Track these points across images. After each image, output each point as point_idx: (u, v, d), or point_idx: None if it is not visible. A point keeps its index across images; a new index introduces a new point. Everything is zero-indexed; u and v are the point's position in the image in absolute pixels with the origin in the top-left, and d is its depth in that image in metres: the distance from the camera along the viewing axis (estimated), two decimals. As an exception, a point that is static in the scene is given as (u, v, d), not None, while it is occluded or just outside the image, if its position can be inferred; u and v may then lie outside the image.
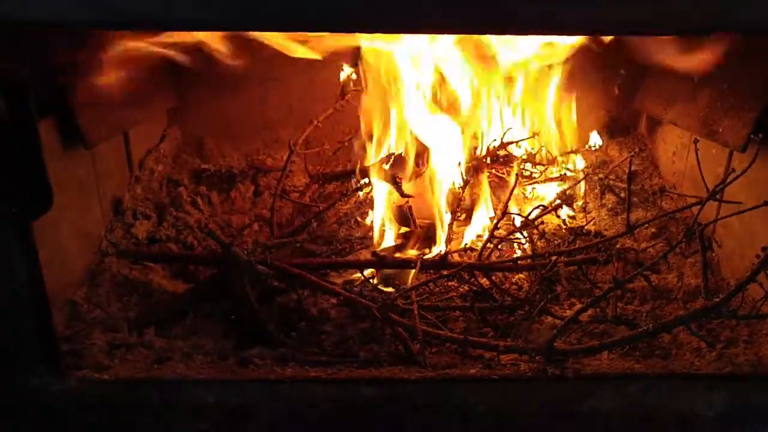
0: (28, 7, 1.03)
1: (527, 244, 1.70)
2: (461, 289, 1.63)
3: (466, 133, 1.96)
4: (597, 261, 1.65)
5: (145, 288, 1.61)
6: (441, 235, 1.79)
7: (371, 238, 1.82)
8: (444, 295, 1.63)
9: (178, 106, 2.25)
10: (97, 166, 1.67)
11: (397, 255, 1.74)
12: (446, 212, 1.82)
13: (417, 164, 1.89)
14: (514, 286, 1.67)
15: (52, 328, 1.26)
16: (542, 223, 1.82)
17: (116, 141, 1.84)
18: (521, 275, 1.69)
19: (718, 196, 1.31)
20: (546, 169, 2.10)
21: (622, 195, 2.01)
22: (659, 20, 1.08)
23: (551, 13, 1.07)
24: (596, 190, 2.06)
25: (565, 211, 1.89)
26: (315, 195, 2.06)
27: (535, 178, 2.09)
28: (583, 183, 2.00)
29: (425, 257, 1.67)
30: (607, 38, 1.83)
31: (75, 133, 1.47)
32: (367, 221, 1.91)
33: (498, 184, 2.03)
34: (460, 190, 1.82)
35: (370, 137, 1.90)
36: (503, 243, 1.74)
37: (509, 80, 2.06)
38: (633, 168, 2.15)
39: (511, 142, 1.98)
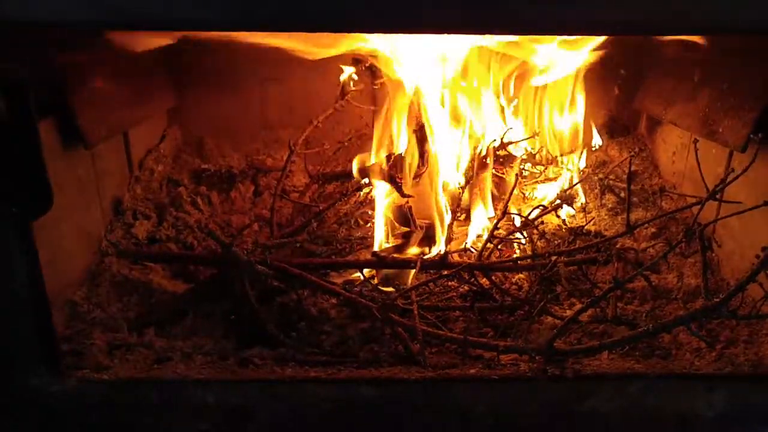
0: (28, 7, 1.03)
1: (527, 244, 1.71)
2: (461, 289, 1.63)
3: (467, 134, 1.97)
4: (597, 261, 1.65)
5: (145, 288, 1.61)
6: (441, 235, 1.79)
7: (371, 238, 1.82)
8: (444, 295, 1.63)
9: (178, 106, 2.25)
10: (97, 166, 1.67)
11: (397, 255, 1.74)
12: (446, 212, 1.82)
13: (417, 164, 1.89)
14: (514, 286, 1.67)
15: (52, 328, 1.26)
16: (542, 223, 1.82)
17: (116, 141, 1.84)
18: (521, 275, 1.69)
19: (717, 196, 1.31)
20: (546, 169, 2.10)
21: (622, 195, 2.01)
22: (659, 20, 1.08)
23: (551, 13, 1.07)
24: (596, 190, 2.06)
25: (565, 211, 1.89)
26: (315, 195, 2.06)
27: (535, 178, 2.09)
28: (580, 183, 2.00)
29: (425, 257, 1.67)
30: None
31: (75, 133, 1.47)
32: (368, 221, 1.91)
33: (498, 185, 2.03)
34: (460, 190, 1.82)
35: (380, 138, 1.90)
36: (503, 243, 1.74)
37: (510, 80, 2.06)
38: (633, 168, 2.15)
39: (511, 143, 1.98)
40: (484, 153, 1.90)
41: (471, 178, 1.88)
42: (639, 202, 2.01)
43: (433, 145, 1.87)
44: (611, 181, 2.06)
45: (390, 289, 1.61)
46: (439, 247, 1.78)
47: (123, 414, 1.29)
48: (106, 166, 1.75)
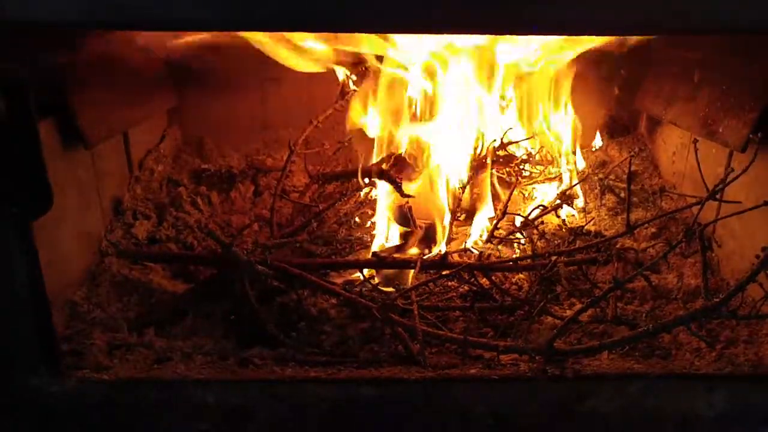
0: (28, 7, 1.03)
1: (527, 244, 1.71)
2: (461, 289, 1.63)
3: (467, 134, 1.97)
4: (597, 261, 1.65)
5: (145, 288, 1.61)
6: (441, 235, 1.79)
7: (371, 238, 1.82)
8: (444, 295, 1.63)
9: (178, 106, 2.25)
10: (97, 166, 1.67)
11: (397, 255, 1.74)
12: (446, 212, 1.82)
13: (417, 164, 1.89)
14: (514, 286, 1.67)
15: (52, 328, 1.26)
16: (542, 223, 1.82)
17: (116, 141, 1.84)
18: (521, 275, 1.69)
19: (717, 196, 1.31)
20: (545, 168, 2.10)
21: (622, 195, 2.01)
22: (659, 20, 1.08)
23: (551, 13, 1.07)
24: (596, 190, 2.06)
25: (565, 211, 1.89)
26: (315, 195, 2.06)
27: (534, 178, 2.09)
28: (580, 183, 2.00)
29: (425, 257, 1.67)
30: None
31: (75, 133, 1.47)
32: (368, 221, 1.91)
33: (498, 185, 2.03)
34: (460, 191, 1.82)
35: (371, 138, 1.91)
36: (503, 243, 1.74)
37: (510, 79, 2.06)
38: (633, 168, 2.15)
39: (511, 143, 1.98)
40: (483, 153, 1.90)
41: (471, 179, 1.88)
42: (639, 202, 2.01)
43: (432, 146, 1.87)
44: (611, 181, 2.06)
45: (390, 289, 1.61)
46: (439, 247, 1.78)
47: (123, 414, 1.29)
48: (106, 166, 1.75)
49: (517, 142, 2.00)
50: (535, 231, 1.70)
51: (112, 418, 1.30)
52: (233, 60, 2.05)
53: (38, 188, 1.19)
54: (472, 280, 1.57)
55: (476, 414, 1.28)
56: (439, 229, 1.81)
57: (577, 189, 2.01)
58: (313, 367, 1.34)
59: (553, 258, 1.53)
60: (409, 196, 1.77)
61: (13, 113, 1.12)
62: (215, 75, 2.22)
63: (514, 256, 1.71)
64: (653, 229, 1.85)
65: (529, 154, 2.09)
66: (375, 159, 1.92)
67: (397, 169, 1.84)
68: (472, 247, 1.75)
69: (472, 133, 1.98)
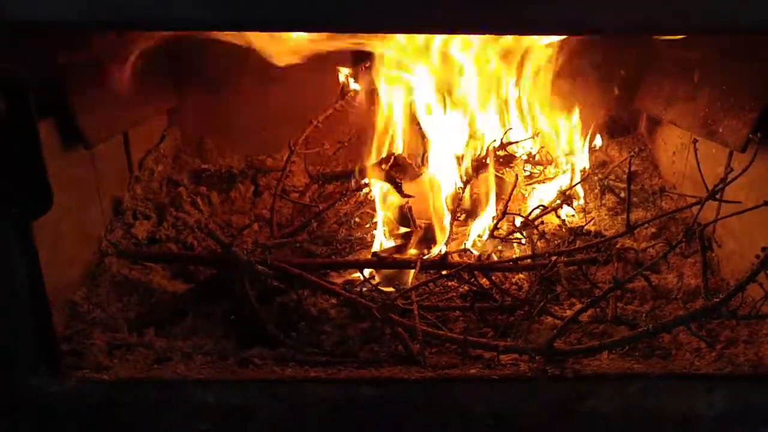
0: (28, 7, 1.03)
1: (527, 244, 1.71)
2: (461, 289, 1.63)
3: (467, 134, 1.97)
4: (597, 261, 1.65)
5: (145, 288, 1.61)
6: (441, 235, 1.79)
7: (371, 238, 1.82)
8: (444, 295, 1.63)
9: (178, 106, 2.25)
10: (97, 166, 1.67)
11: (397, 255, 1.74)
12: (446, 212, 1.82)
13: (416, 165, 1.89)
14: (514, 286, 1.67)
15: (52, 328, 1.26)
16: (542, 223, 1.82)
17: (116, 141, 1.84)
18: (521, 275, 1.69)
19: (717, 196, 1.31)
20: (545, 168, 2.10)
21: (622, 195, 2.01)
22: (659, 20, 1.08)
23: (551, 13, 1.07)
24: (596, 190, 2.06)
25: (565, 211, 1.89)
26: (315, 195, 2.06)
27: (535, 178, 2.09)
28: (580, 183, 2.00)
29: (425, 257, 1.67)
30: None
31: (75, 133, 1.47)
32: (368, 222, 1.91)
33: (498, 185, 2.03)
34: (460, 191, 1.82)
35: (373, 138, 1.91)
36: (503, 243, 1.74)
37: (510, 79, 2.06)
38: (633, 168, 2.15)
39: (511, 143, 1.98)
40: (484, 153, 1.90)
41: (471, 179, 1.88)
42: (639, 202, 2.01)
43: (432, 146, 1.88)
44: (611, 181, 2.06)
45: (390, 289, 1.61)
46: (439, 248, 1.78)
47: (123, 414, 1.29)
48: (106, 166, 1.75)
49: (517, 142, 2.00)
50: (535, 231, 1.70)
51: (112, 418, 1.30)
52: (233, 60, 2.05)
53: (38, 188, 1.19)
54: (472, 280, 1.57)
55: (476, 414, 1.28)
56: (439, 229, 1.81)
57: (578, 189, 2.01)
58: (313, 367, 1.34)
59: (553, 258, 1.53)
60: (409, 196, 1.77)
61: (13, 113, 1.12)
62: (215, 75, 2.22)
63: (513, 256, 1.71)
64: (653, 229, 1.85)
65: (530, 154, 2.10)
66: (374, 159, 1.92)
67: (398, 169, 1.84)
68: (472, 247, 1.75)
69: (471, 134, 1.98)
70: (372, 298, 1.49)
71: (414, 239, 1.79)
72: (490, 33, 1.59)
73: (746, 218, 1.31)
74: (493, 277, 1.59)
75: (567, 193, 1.89)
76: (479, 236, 1.82)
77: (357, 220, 1.93)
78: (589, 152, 2.18)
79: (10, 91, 1.11)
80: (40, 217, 1.21)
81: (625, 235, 1.58)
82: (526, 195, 2.06)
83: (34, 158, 1.17)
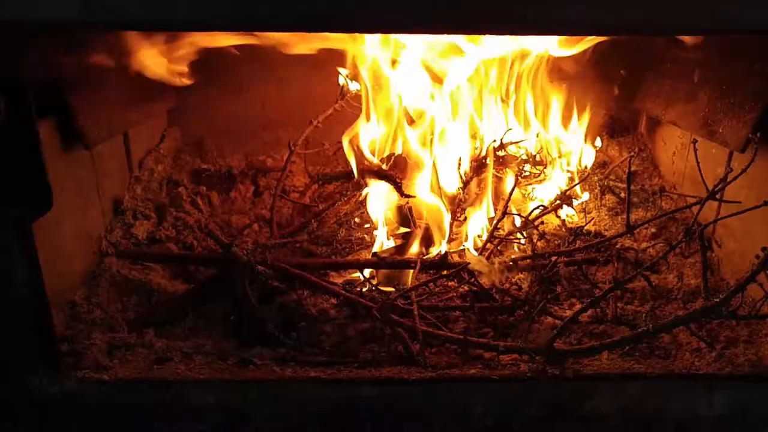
0: (28, 7, 1.03)
1: (527, 245, 1.70)
2: (461, 289, 1.63)
3: (467, 134, 1.97)
4: (597, 261, 1.65)
5: (145, 288, 1.61)
6: (441, 235, 1.79)
7: (371, 238, 1.82)
8: (444, 295, 1.63)
9: (178, 106, 2.25)
10: (97, 166, 1.67)
11: (397, 256, 1.74)
12: (446, 212, 1.82)
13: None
14: (514, 286, 1.67)
15: (51, 329, 1.26)
16: (542, 223, 1.82)
17: (116, 141, 1.84)
18: (521, 275, 1.69)
19: (717, 196, 1.31)
20: (545, 168, 2.10)
21: (622, 195, 2.01)
22: (659, 20, 1.08)
23: (551, 13, 1.06)
24: (596, 190, 2.06)
25: (565, 211, 1.89)
26: (315, 195, 2.06)
27: (535, 177, 2.09)
28: (580, 183, 1.99)
29: (425, 257, 1.67)
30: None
31: (75, 133, 1.47)
32: (367, 222, 1.91)
33: (498, 185, 2.03)
34: (460, 191, 1.82)
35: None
36: (502, 243, 1.74)
37: (510, 80, 2.06)
38: (633, 168, 2.15)
39: (511, 143, 1.98)
40: (483, 153, 1.90)
41: (470, 179, 1.88)
42: (639, 202, 2.01)
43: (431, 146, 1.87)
44: (611, 182, 2.06)
45: (390, 289, 1.61)
46: (439, 247, 1.78)
47: (123, 414, 1.29)
48: (106, 166, 1.75)
49: (517, 142, 2.00)
50: (535, 231, 1.70)
51: (112, 418, 1.30)
52: (233, 60, 2.05)
53: (38, 188, 1.19)
54: (472, 280, 1.57)
55: (476, 414, 1.28)
56: (438, 229, 1.81)
57: (578, 189, 2.01)
58: (313, 367, 1.34)
59: (553, 258, 1.53)
60: (409, 196, 1.77)
61: (13, 113, 1.12)
62: (215, 75, 2.22)
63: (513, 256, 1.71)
64: (653, 229, 1.85)
65: (529, 155, 2.09)
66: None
67: (398, 169, 1.84)
68: (473, 247, 1.75)
69: (471, 134, 1.98)
70: (372, 298, 1.49)
71: (413, 239, 1.79)
72: (491, 33, 1.59)
73: (746, 218, 1.31)
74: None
75: (567, 193, 1.89)
76: (478, 236, 1.82)
77: (357, 220, 1.92)
78: (588, 152, 2.18)
79: (10, 91, 1.11)
80: (40, 217, 1.21)
81: (625, 235, 1.58)
82: (526, 195, 2.06)
83: (34, 158, 1.17)
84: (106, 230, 1.74)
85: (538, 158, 2.09)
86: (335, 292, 1.51)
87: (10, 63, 1.14)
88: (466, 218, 1.90)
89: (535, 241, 1.68)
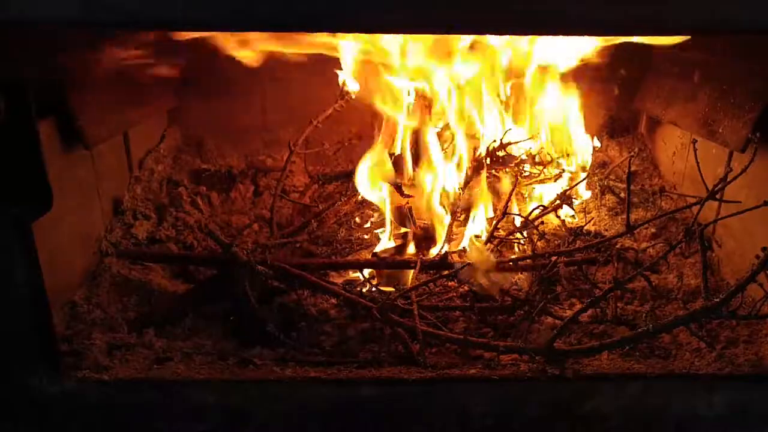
0: (29, 7, 1.03)
1: (527, 245, 1.70)
2: (461, 289, 1.63)
3: (467, 134, 1.97)
4: (597, 261, 1.65)
5: (145, 288, 1.61)
6: (441, 235, 1.79)
7: (372, 238, 1.82)
8: (444, 295, 1.63)
9: (178, 106, 2.25)
10: (97, 166, 1.67)
11: (397, 256, 1.74)
12: (446, 213, 1.82)
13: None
14: (514, 286, 1.67)
15: (51, 329, 1.26)
16: (542, 223, 1.82)
17: (116, 141, 1.84)
18: (521, 275, 1.68)
19: (717, 196, 1.31)
20: (544, 168, 2.10)
21: (622, 195, 2.01)
22: (659, 20, 1.08)
23: (552, 13, 1.07)
24: (596, 190, 2.06)
25: (564, 212, 1.89)
26: (315, 195, 2.06)
27: (534, 177, 2.09)
28: (579, 184, 2.00)
29: (425, 257, 1.67)
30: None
31: (75, 133, 1.47)
32: (367, 222, 1.91)
33: (497, 185, 2.03)
34: (460, 191, 1.82)
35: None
36: (502, 243, 1.74)
37: (510, 80, 2.06)
38: (633, 168, 2.14)
39: (511, 143, 1.98)
40: (483, 154, 1.90)
41: (470, 179, 1.88)
42: (639, 202, 2.01)
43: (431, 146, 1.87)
44: (611, 182, 2.06)
45: (390, 289, 1.61)
46: (439, 248, 1.78)
47: (123, 414, 1.29)
48: (106, 166, 1.75)
49: (517, 142, 2.00)
50: (534, 231, 1.70)
51: (112, 418, 1.30)
52: (233, 60, 2.05)
53: (38, 188, 1.19)
54: (472, 280, 1.57)
55: (476, 414, 1.28)
56: (438, 229, 1.81)
57: (578, 189, 2.01)
58: (313, 367, 1.34)
59: (553, 258, 1.53)
60: (409, 196, 1.77)
61: (13, 113, 1.12)
62: (215, 75, 2.22)
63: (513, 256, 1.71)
64: (653, 229, 1.85)
65: (529, 155, 2.09)
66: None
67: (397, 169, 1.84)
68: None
69: (471, 134, 1.98)
70: (372, 298, 1.49)
71: (412, 239, 1.79)
72: (490, 33, 1.59)
73: (746, 218, 1.31)
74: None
75: (567, 193, 1.89)
76: (477, 237, 1.82)
77: (357, 220, 1.93)
78: (588, 152, 2.18)
79: (10, 91, 1.11)
80: (40, 217, 1.21)
81: (625, 235, 1.58)
82: (526, 195, 2.06)
83: (34, 158, 1.17)
84: (106, 230, 1.74)
85: (537, 159, 2.09)
86: (335, 292, 1.51)
87: (10, 63, 1.14)
88: (466, 218, 1.90)
89: (535, 241, 1.68)
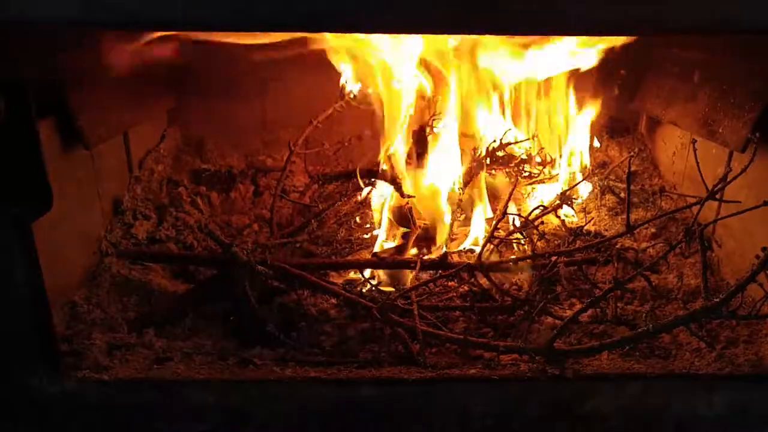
0: (30, 7, 1.03)
1: (527, 245, 1.70)
2: (461, 289, 1.63)
3: (467, 134, 1.97)
4: (597, 261, 1.65)
5: (145, 288, 1.61)
6: (441, 235, 1.79)
7: (372, 238, 1.82)
8: (444, 295, 1.63)
9: (178, 106, 2.25)
10: (97, 166, 1.67)
11: (397, 256, 1.74)
12: (446, 213, 1.82)
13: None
14: (514, 286, 1.67)
15: (52, 329, 1.26)
16: (542, 223, 1.82)
17: (116, 141, 1.84)
18: (521, 275, 1.68)
19: (717, 196, 1.31)
20: (544, 168, 2.10)
21: (622, 195, 2.01)
22: (659, 20, 1.08)
23: (550, 13, 1.06)
24: (596, 190, 2.06)
25: (564, 211, 1.89)
26: (315, 195, 2.06)
27: (534, 178, 2.09)
28: (579, 184, 2.00)
29: (425, 257, 1.67)
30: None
31: (75, 133, 1.47)
32: (368, 221, 1.91)
33: (497, 185, 2.03)
34: (460, 191, 1.82)
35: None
36: (502, 243, 1.74)
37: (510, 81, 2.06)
38: (633, 168, 2.14)
39: (510, 143, 1.98)
40: (483, 154, 1.90)
41: (470, 179, 1.88)
42: (639, 202, 2.01)
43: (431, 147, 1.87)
44: (611, 182, 2.06)
45: (390, 289, 1.61)
46: (439, 248, 1.78)
47: (123, 414, 1.29)
48: (106, 166, 1.75)
49: (517, 142, 2.00)
50: (534, 231, 1.70)
51: (112, 418, 1.30)
52: (233, 60, 2.05)
53: (38, 188, 1.19)
54: (472, 280, 1.57)
55: (476, 414, 1.28)
56: (439, 229, 1.81)
57: (578, 189, 2.01)
58: (313, 367, 1.34)
59: (553, 258, 1.53)
60: (409, 196, 1.77)
61: (13, 113, 1.12)
62: (215, 75, 2.22)
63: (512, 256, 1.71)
64: (653, 229, 1.85)
65: (529, 155, 2.09)
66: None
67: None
68: (471, 246, 1.76)
69: (472, 134, 1.98)
70: (372, 298, 1.49)
71: (412, 239, 1.79)
72: (490, 33, 1.59)
73: (746, 218, 1.31)
74: (493, 277, 1.59)
75: (567, 193, 1.89)
76: (477, 238, 1.82)
77: (357, 220, 1.93)
78: (589, 152, 2.18)
79: (10, 91, 1.11)
80: (40, 217, 1.21)
81: (625, 235, 1.58)
82: (526, 195, 2.06)
83: (34, 158, 1.17)
84: (106, 230, 1.74)
85: (538, 159, 2.09)
86: (335, 292, 1.51)
87: (10, 63, 1.14)
88: (466, 218, 1.90)
89: (534, 241, 1.68)
